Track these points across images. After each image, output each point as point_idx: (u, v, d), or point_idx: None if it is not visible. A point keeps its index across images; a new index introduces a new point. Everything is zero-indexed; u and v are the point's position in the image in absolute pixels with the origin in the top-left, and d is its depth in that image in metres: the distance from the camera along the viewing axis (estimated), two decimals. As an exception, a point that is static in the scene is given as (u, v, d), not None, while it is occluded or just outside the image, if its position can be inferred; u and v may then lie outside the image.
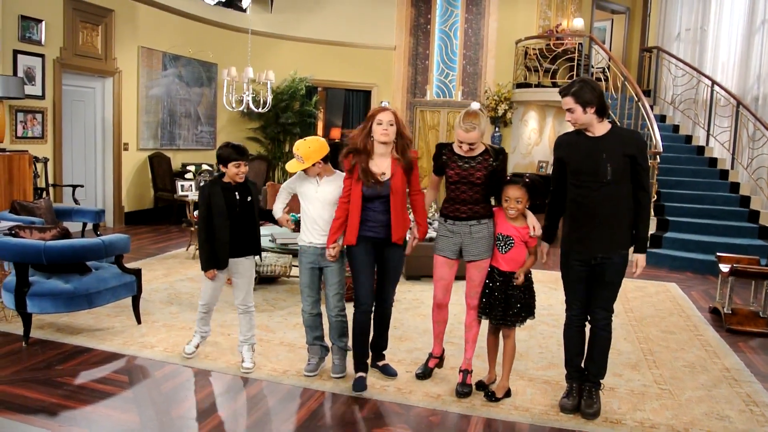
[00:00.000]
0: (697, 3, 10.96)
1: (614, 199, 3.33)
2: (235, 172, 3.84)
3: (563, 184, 3.50)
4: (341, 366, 3.92)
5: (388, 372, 3.97)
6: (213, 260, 3.86)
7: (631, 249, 3.45)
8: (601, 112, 3.32)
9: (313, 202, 3.80)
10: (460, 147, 3.62)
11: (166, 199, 9.45)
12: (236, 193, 3.88)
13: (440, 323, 3.94)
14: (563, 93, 3.34)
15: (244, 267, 3.97)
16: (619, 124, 9.69)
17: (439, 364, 4.04)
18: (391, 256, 3.79)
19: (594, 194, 3.33)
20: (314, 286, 3.88)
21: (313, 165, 3.73)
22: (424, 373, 3.96)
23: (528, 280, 3.62)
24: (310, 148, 3.71)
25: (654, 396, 3.82)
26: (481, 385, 3.77)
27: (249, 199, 3.93)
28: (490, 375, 3.81)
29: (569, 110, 3.31)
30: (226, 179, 3.90)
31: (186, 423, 3.28)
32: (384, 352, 4.08)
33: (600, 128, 3.36)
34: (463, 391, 3.72)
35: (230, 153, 3.83)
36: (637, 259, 3.42)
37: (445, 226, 3.74)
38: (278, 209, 4.01)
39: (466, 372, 3.78)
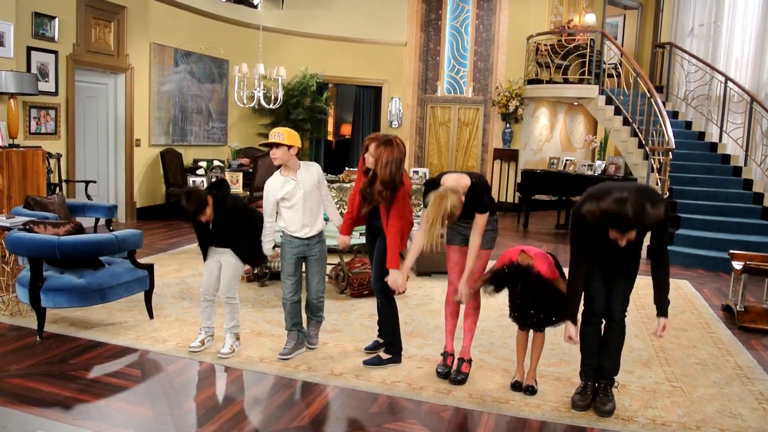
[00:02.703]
0: (711, -2, 10.87)
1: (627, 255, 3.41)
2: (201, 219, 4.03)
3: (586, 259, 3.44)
4: (316, 338, 4.35)
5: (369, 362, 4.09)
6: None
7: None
8: None
9: (297, 200, 4.01)
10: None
11: (178, 195, 9.47)
12: (210, 225, 4.10)
13: (454, 316, 3.96)
14: (629, 226, 3.04)
15: (227, 261, 4.14)
16: (631, 120, 9.66)
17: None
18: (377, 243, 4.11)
19: (607, 259, 3.42)
20: (298, 273, 4.16)
21: (289, 148, 3.94)
22: (447, 373, 3.92)
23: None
24: (291, 133, 4.00)
25: (666, 393, 3.81)
26: (517, 385, 3.76)
27: (220, 226, 4.07)
28: (519, 373, 3.81)
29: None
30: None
31: (199, 417, 3.30)
32: (380, 345, 4.24)
33: None
34: (457, 378, 3.81)
35: (187, 209, 3.96)
36: (664, 323, 3.37)
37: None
38: (269, 238, 4.14)
39: (462, 360, 3.87)
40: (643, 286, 6.38)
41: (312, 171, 4.09)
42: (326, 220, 5.66)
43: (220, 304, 4.36)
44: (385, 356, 4.08)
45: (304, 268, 4.24)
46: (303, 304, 4.28)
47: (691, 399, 3.74)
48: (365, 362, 4.04)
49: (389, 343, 4.13)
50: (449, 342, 3.99)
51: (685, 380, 4.03)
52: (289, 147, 3.94)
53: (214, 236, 4.12)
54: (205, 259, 4.22)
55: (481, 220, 3.65)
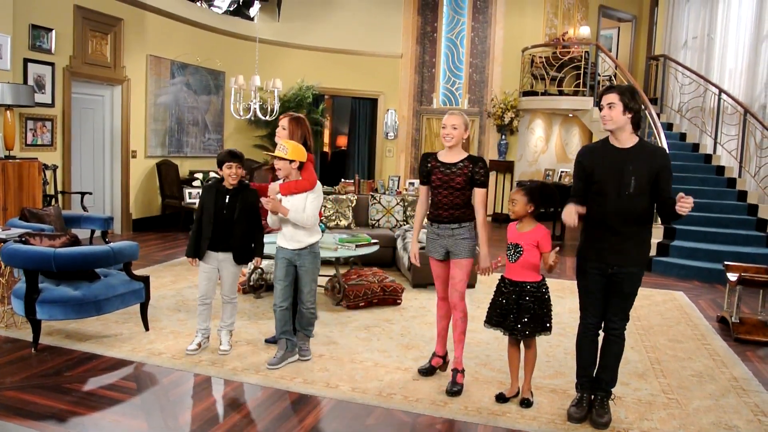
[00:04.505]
0: (704, 11, 10.97)
1: (633, 212, 3.32)
2: (228, 173, 4.19)
3: (584, 190, 3.45)
4: (308, 349, 4.34)
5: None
6: (193, 250, 4.28)
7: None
8: (636, 125, 3.36)
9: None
10: (444, 138, 3.85)
11: (174, 207, 9.49)
12: (227, 197, 4.23)
13: (444, 318, 4.09)
14: (608, 90, 3.34)
15: (228, 263, 4.30)
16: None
17: (443, 367, 4.15)
18: None
19: (613, 206, 3.33)
20: (288, 279, 4.18)
21: (290, 162, 4.02)
22: (427, 371, 4.10)
23: (541, 293, 3.62)
24: (297, 147, 4.05)
25: (661, 405, 3.81)
26: (502, 397, 3.76)
27: (237, 203, 4.23)
28: (512, 388, 3.79)
29: (610, 105, 3.30)
30: (224, 183, 4.23)
31: (194, 429, 3.29)
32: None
33: (628, 140, 3.36)
34: (452, 390, 3.84)
35: (224, 156, 4.22)
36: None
37: (431, 229, 3.97)
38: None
39: (456, 371, 3.92)
40: (638, 297, 6.39)
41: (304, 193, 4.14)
42: (322, 230, 5.76)
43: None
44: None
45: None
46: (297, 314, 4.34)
47: (687, 411, 3.74)
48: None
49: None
50: (439, 344, 4.14)
51: (681, 392, 4.04)
52: (291, 161, 4.02)
53: (224, 226, 4.21)
54: (195, 254, 4.26)
55: (480, 195, 3.84)
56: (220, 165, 4.22)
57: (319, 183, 4.19)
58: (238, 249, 4.28)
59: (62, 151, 7.98)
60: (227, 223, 4.23)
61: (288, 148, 3.99)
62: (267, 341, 4.60)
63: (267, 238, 5.80)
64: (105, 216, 6.64)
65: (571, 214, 3.30)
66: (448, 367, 4.11)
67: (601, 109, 3.38)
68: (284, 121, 4.36)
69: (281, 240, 4.18)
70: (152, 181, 9.61)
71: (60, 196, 7.82)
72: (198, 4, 10.43)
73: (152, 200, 9.70)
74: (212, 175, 8.41)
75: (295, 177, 4.08)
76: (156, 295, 5.62)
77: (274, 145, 4.27)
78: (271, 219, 4.15)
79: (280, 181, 4.13)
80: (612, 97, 3.31)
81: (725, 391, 4.08)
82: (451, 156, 3.89)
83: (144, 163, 9.42)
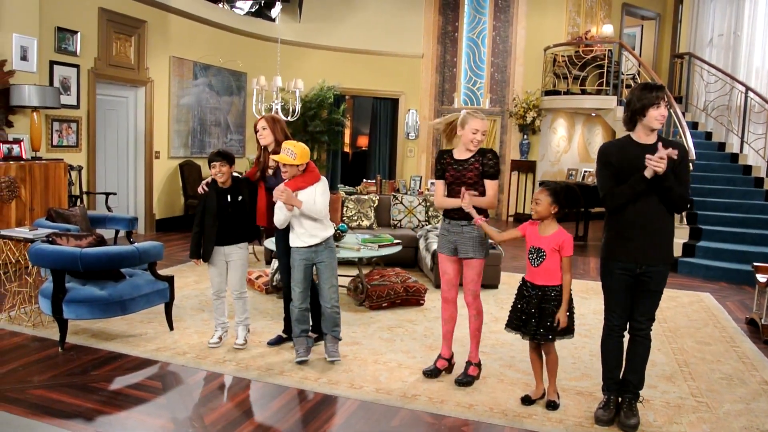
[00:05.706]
0: (730, 8, 10.81)
1: (658, 207, 3.29)
2: (214, 172, 4.31)
3: (614, 180, 3.37)
4: (336, 351, 4.30)
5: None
6: (197, 252, 4.42)
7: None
8: None
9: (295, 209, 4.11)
10: (472, 142, 3.84)
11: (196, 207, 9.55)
12: (228, 196, 4.36)
13: (448, 322, 4.09)
14: (662, 88, 3.29)
15: (236, 255, 4.45)
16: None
17: (448, 369, 4.14)
18: None
19: (637, 201, 3.28)
20: (306, 281, 4.21)
21: (297, 166, 4.05)
22: (431, 372, 4.08)
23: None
24: (304, 149, 4.06)
25: (691, 409, 3.74)
26: (528, 400, 3.72)
27: (240, 198, 4.39)
28: (537, 390, 3.75)
29: (666, 104, 3.28)
30: (218, 183, 4.37)
31: (219, 429, 3.30)
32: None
33: (653, 136, 3.34)
34: (462, 380, 3.93)
35: (211, 156, 4.34)
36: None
37: (444, 225, 3.99)
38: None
39: (469, 363, 3.99)
40: (664, 299, 6.30)
41: (312, 189, 4.14)
42: (344, 231, 5.80)
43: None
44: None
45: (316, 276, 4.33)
46: (317, 314, 4.40)
47: (717, 415, 3.67)
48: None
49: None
50: (445, 347, 4.12)
51: (710, 395, 3.97)
52: (299, 165, 4.07)
53: (229, 222, 4.34)
54: (206, 258, 4.40)
55: (492, 187, 3.84)
56: (209, 164, 4.32)
57: (323, 177, 4.23)
58: (250, 232, 4.51)
59: (87, 152, 8.07)
60: (232, 218, 4.35)
61: (296, 153, 3.98)
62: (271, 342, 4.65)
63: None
64: (130, 216, 6.68)
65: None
66: (453, 369, 4.13)
67: (650, 109, 3.26)
68: (262, 122, 4.41)
69: (295, 240, 4.16)
70: (175, 182, 9.68)
71: (85, 197, 7.91)
72: (220, 5, 10.49)
73: (175, 201, 9.78)
74: (234, 175, 8.48)
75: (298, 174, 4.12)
76: (180, 295, 5.66)
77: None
78: (278, 218, 4.13)
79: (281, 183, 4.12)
80: (665, 97, 3.27)
81: (756, 395, 4.00)
82: (463, 152, 3.92)
83: (167, 163, 9.50)
